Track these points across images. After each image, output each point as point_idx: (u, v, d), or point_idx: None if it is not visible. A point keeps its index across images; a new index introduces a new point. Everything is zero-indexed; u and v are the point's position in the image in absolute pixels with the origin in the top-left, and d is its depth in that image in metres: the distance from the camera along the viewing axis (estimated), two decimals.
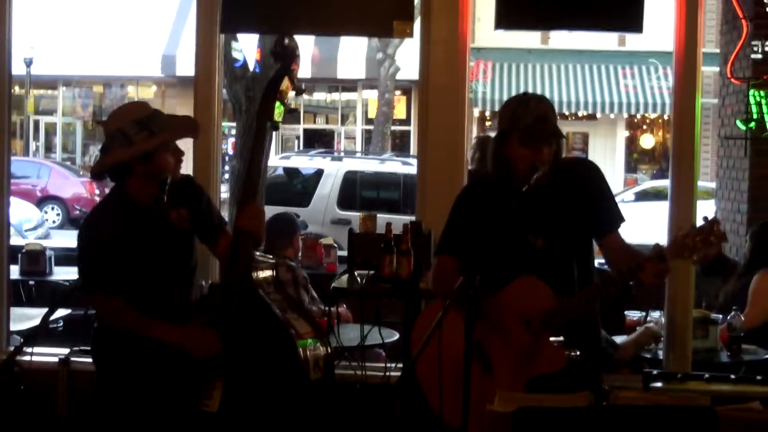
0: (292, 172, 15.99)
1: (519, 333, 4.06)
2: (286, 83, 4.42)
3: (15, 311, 6.79)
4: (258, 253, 4.42)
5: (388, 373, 5.78)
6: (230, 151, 19.69)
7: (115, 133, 4.31)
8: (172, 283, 4.44)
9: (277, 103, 4.39)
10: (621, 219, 4.23)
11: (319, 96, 27.88)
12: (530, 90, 24.12)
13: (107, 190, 4.59)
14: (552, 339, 4.03)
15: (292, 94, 4.52)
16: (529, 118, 4.07)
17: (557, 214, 4.16)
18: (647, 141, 28.40)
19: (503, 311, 4.08)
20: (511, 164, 4.14)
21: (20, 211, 16.47)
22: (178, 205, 4.45)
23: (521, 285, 4.11)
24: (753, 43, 8.15)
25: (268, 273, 4.42)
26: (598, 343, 4.41)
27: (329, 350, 4.38)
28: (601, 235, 4.19)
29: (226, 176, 12.86)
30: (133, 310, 4.29)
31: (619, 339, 6.54)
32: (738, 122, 8.33)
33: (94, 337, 4.60)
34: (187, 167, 4.81)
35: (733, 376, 5.72)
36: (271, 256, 4.60)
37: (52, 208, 22.37)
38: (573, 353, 4.02)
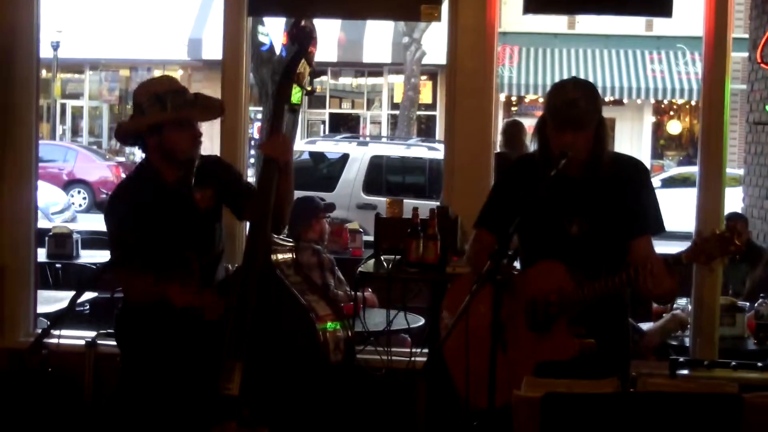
0: (317, 157, 16.01)
1: (527, 314, 4.09)
2: (303, 66, 4.40)
3: (42, 294, 6.83)
4: (277, 237, 4.41)
5: (413, 359, 5.77)
6: (256, 135, 19.75)
7: (135, 102, 4.44)
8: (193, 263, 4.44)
9: (294, 86, 4.38)
10: (657, 227, 4.20)
11: (345, 80, 27.86)
12: (556, 75, 24.26)
13: None
14: (572, 328, 4.03)
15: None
16: (559, 101, 4.05)
17: (595, 205, 4.14)
18: (674, 127, 28.25)
19: (521, 292, 4.09)
20: (549, 147, 4.13)
21: (47, 195, 16.57)
22: (203, 186, 4.49)
23: (541, 269, 4.13)
24: None
25: (287, 255, 4.42)
26: (626, 331, 4.39)
27: (350, 333, 4.38)
28: (630, 237, 4.16)
29: (252, 160, 12.89)
30: (154, 282, 4.32)
31: (645, 326, 6.52)
32: (767, 108, 8.29)
33: (117, 320, 4.67)
34: (213, 151, 4.82)
35: (760, 364, 5.71)
36: (291, 240, 4.60)
37: (79, 192, 22.46)
38: (587, 342, 4.02)
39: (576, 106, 4.02)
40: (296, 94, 4.40)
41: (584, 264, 4.07)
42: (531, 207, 3.99)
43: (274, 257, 4.33)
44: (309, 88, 4.48)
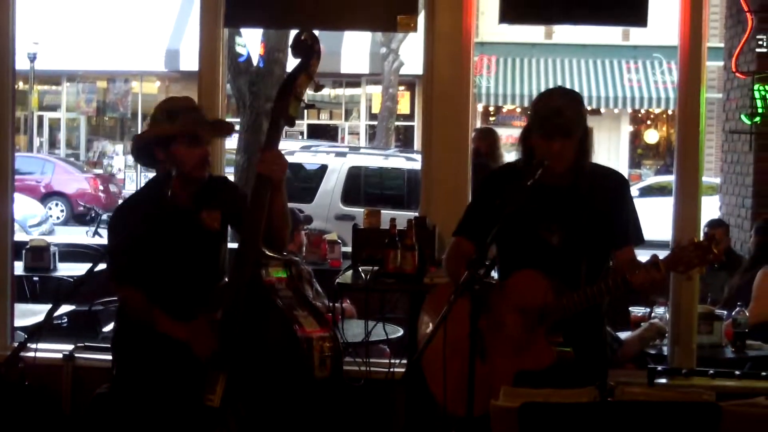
0: (296, 168, 15.98)
1: (513, 324, 4.08)
2: (303, 79, 4.38)
3: (19, 307, 6.79)
4: (269, 251, 4.39)
5: (392, 369, 5.76)
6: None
7: (151, 116, 4.55)
8: (193, 283, 4.44)
9: (293, 99, 4.36)
10: (638, 238, 4.25)
11: (323, 91, 27.79)
12: (534, 85, 24.33)
13: (111, 187, 4.64)
14: (550, 337, 4.04)
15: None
16: (545, 109, 4.07)
17: (576, 215, 4.16)
18: (651, 136, 28.38)
19: (502, 301, 4.10)
20: (533, 155, 4.14)
21: (24, 207, 16.51)
22: (210, 206, 4.49)
23: (522, 278, 4.14)
24: (758, 36, 8.14)
25: (279, 269, 4.40)
26: (603, 340, 4.41)
27: (338, 349, 4.37)
28: (614, 248, 4.22)
29: (231, 170, 12.85)
30: (144, 303, 4.36)
31: (623, 335, 6.53)
32: (743, 116, 8.33)
33: (114, 333, 4.72)
34: None
35: (738, 372, 5.73)
36: (284, 253, 4.57)
37: (56, 204, 22.34)
38: (565, 351, 4.03)
39: (563, 114, 4.03)
40: (294, 108, 4.37)
41: (563, 273, 4.09)
42: (510, 216, 4.00)
43: (266, 271, 4.30)
44: (306, 102, 4.46)
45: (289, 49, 4.46)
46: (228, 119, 6.65)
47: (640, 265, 3.99)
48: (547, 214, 4.18)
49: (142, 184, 4.73)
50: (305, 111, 26.94)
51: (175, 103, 4.53)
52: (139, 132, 4.54)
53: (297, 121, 4.67)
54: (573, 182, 4.16)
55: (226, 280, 4.51)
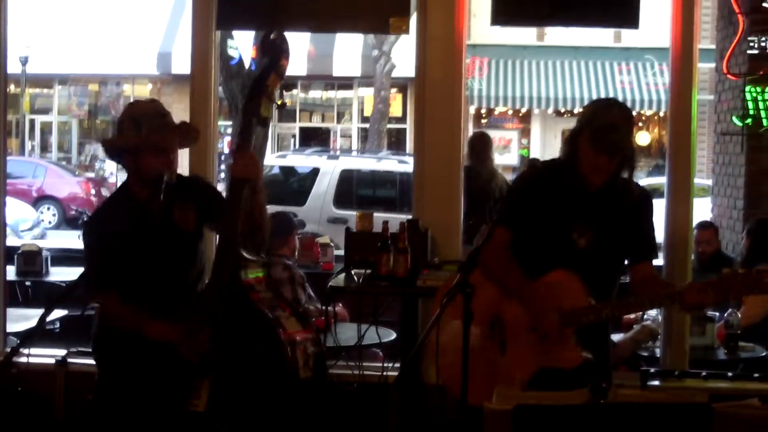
0: (288, 171, 15.98)
1: (549, 322, 4.08)
2: (273, 79, 4.37)
3: (11, 312, 6.78)
4: (248, 253, 4.39)
5: (385, 373, 5.76)
6: (226, 150, 19.71)
7: (118, 121, 4.50)
8: (173, 283, 4.44)
9: (264, 99, 4.35)
10: (655, 254, 4.33)
11: (315, 94, 27.83)
12: (525, 87, 24.35)
13: (103, 190, 4.63)
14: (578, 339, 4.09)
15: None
16: (603, 120, 4.08)
17: (605, 221, 4.21)
18: (643, 138, 28.37)
19: (538, 298, 4.11)
20: (577, 160, 4.15)
21: (16, 212, 16.47)
22: (183, 205, 4.48)
23: (562, 278, 4.14)
24: (749, 38, 8.15)
25: (257, 271, 4.40)
26: (608, 345, 4.45)
27: (321, 349, 4.37)
28: (636, 261, 4.27)
29: (222, 175, 12.86)
30: (127, 307, 4.34)
31: (616, 337, 6.53)
32: (734, 118, 8.34)
33: (95, 337, 4.68)
34: (183, 166, 4.80)
35: (730, 374, 5.74)
36: (263, 255, 4.58)
37: (48, 208, 22.30)
38: (587, 355, 4.08)
39: (618, 131, 4.05)
40: (266, 108, 4.37)
41: (589, 277, 4.12)
42: (545, 215, 4.10)
43: (244, 273, 4.31)
44: (279, 102, 4.45)
45: (258, 49, 4.46)
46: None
47: (692, 285, 4.02)
48: (578, 216, 4.22)
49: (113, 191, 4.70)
50: (297, 113, 26.97)
51: (140, 110, 4.47)
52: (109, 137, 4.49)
53: (290, 124, 4.66)
54: (605, 189, 4.20)
55: (206, 280, 4.51)
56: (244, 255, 4.30)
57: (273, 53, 4.38)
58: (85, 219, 4.66)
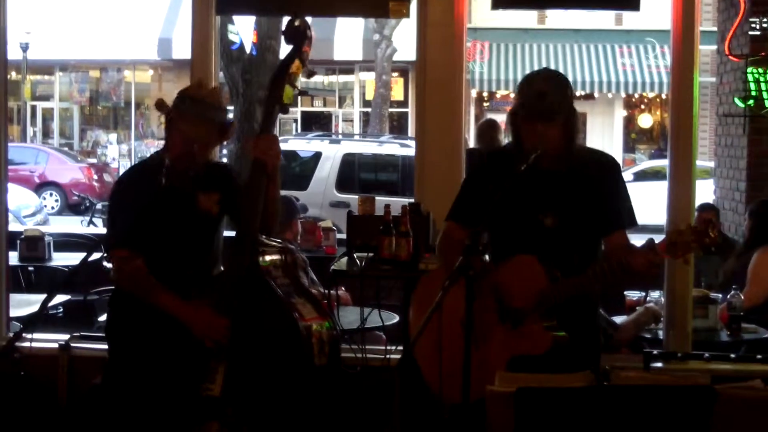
0: (290, 155, 15.96)
1: (507, 310, 4.09)
2: (296, 65, 4.36)
3: (14, 297, 6.78)
4: (266, 238, 4.39)
5: (388, 356, 5.77)
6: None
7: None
8: (189, 263, 4.43)
9: (287, 86, 4.35)
10: (631, 222, 4.25)
11: (316, 78, 27.79)
12: (527, 70, 24.20)
13: (105, 176, 4.62)
14: (545, 323, 4.05)
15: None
16: (529, 93, 4.06)
17: (569, 198, 4.16)
18: (645, 120, 28.37)
19: (493, 287, 4.10)
20: (521, 140, 4.13)
21: (18, 198, 16.48)
22: (209, 190, 4.47)
23: (517, 263, 4.13)
24: (751, 20, 8.13)
25: (275, 257, 4.40)
26: (596, 324, 4.42)
27: (336, 336, 4.37)
28: (606, 232, 4.22)
29: (224, 160, 12.85)
30: (148, 275, 4.31)
31: (619, 319, 6.54)
32: (736, 100, 8.33)
33: (108, 322, 4.66)
34: None
35: (733, 356, 5.74)
36: (279, 240, 4.57)
37: (51, 194, 22.33)
38: (560, 336, 4.04)
39: (546, 98, 4.03)
40: (288, 94, 4.36)
41: (557, 257, 4.09)
42: (502, 200, 4.00)
43: (262, 259, 4.31)
44: (300, 88, 4.45)
45: (282, 35, 4.45)
46: None
47: (638, 249, 3.99)
48: (541, 197, 4.18)
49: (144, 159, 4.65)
50: (298, 98, 26.93)
51: (192, 92, 4.44)
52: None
53: (291, 108, 4.66)
54: (566, 166, 4.15)
55: (221, 268, 4.50)
56: (262, 240, 4.30)
57: (297, 40, 4.36)
58: (116, 181, 4.60)
